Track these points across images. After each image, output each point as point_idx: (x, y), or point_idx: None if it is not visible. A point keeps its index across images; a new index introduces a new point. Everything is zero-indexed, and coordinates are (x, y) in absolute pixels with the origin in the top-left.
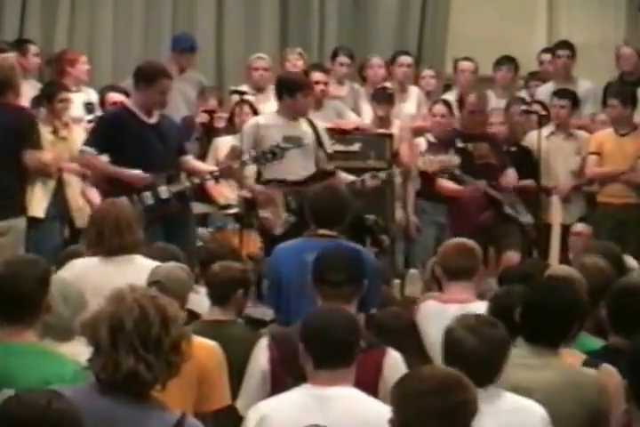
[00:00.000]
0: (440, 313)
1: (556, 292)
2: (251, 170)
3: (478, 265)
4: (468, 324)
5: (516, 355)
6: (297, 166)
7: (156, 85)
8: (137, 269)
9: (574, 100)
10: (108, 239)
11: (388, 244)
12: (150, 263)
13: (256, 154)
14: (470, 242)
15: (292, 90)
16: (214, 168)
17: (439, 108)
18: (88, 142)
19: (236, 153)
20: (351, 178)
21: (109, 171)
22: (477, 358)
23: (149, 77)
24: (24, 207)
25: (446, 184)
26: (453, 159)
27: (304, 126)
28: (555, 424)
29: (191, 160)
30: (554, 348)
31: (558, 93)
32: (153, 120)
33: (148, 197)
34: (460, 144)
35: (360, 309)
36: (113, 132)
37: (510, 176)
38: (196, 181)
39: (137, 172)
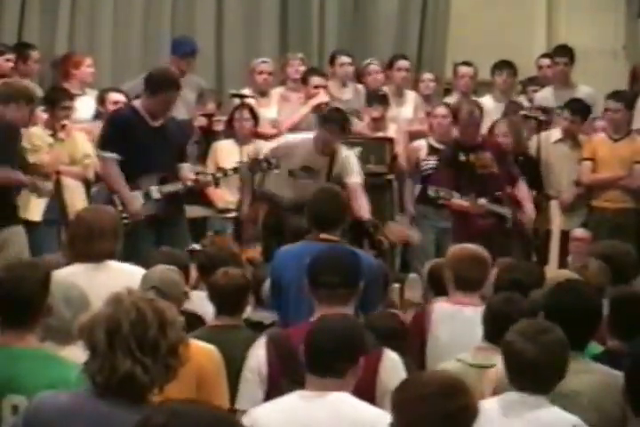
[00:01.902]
0: (454, 315)
1: (580, 294)
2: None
3: (488, 275)
4: (525, 333)
5: None
6: (304, 191)
7: (160, 96)
8: (112, 274)
9: (585, 114)
10: (77, 244)
11: (388, 246)
12: (125, 267)
13: (250, 162)
14: (482, 251)
15: (321, 120)
16: (195, 176)
17: (441, 109)
18: (105, 147)
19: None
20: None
21: (117, 185)
22: (539, 366)
23: (155, 87)
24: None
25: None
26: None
27: (326, 159)
28: None
29: (184, 169)
30: (583, 350)
31: (570, 107)
32: (158, 123)
33: (138, 197)
34: (462, 157)
35: (360, 311)
36: (119, 133)
37: (522, 191)
38: (189, 184)
39: (137, 202)
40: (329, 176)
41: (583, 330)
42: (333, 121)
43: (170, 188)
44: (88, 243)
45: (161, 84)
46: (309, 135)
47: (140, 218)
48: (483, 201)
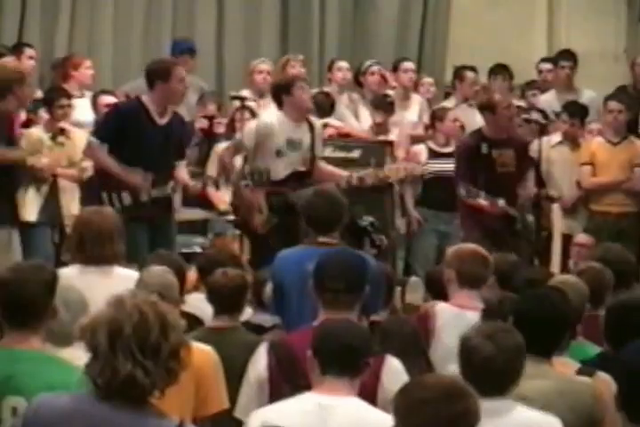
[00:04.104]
0: (458, 319)
1: (545, 301)
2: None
3: (490, 272)
4: (484, 331)
5: None
6: (288, 165)
7: (174, 76)
8: (115, 280)
9: (583, 116)
10: (88, 248)
11: (386, 244)
12: (128, 273)
13: (248, 173)
14: (484, 250)
15: (286, 87)
16: (189, 182)
17: (450, 113)
18: (95, 133)
19: (237, 147)
20: (346, 174)
21: (111, 167)
22: (494, 365)
23: (165, 71)
24: (6, 217)
25: None
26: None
27: (304, 129)
28: None
29: (180, 167)
30: (546, 357)
31: (570, 110)
32: (164, 121)
33: (126, 197)
34: (484, 150)
35: (360, 313)
36: (121, 125)
37: (529, 188)
38: (177, 190)
39: (137, 175)
40: (313, 148)
41: (549, 337)
42: (301, 80)
43: (158, 192)
44: (99, 246)
45: (167, 67)
46: (274, 111)
47: (146, 186)
48: (502, 202)
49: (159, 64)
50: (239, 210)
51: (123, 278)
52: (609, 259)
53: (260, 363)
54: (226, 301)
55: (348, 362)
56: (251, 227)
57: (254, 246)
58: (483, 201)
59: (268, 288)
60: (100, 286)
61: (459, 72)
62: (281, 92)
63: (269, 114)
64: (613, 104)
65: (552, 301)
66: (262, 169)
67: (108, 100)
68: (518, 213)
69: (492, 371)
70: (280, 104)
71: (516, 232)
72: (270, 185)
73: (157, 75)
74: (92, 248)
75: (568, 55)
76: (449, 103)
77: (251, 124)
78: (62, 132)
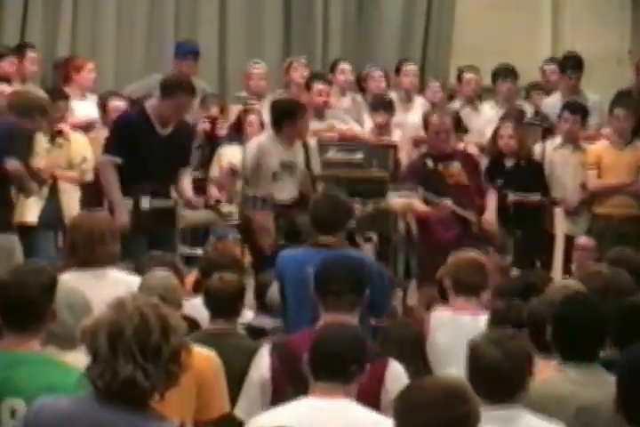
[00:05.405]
0: (452, 322)
1: (589, 306)
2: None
3: (487, 280)
4: (491, 337)
5: (568, 375)
6: (286, 188)
7: (173, 99)
8: (110, 283)
9: (584, 114)
10: (80, 251)
11: (376, 239)
12: (123, 276)
13: (248, 198)
14: (481, 257)
15: (291, 116)
16: (192, 198)
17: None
18: (108, 149)
19: (232, 173)
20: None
21: (111, 192)
22: (500, 371)
23: (168, 90)
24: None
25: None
26: (416, 203)
27: (298, 148)
28: None
29: (185, 177)
30: (595, 362)
31: (570, 108)
32: (167, 131)
33: (127, 203)
34: (430, 165)
35: (370, 313)
36: (126, 137)
37: (489, 201)
38: (180, 203)
39: (124, 216)
40: (309, 167)
41: (595, 341)
42: (304, 110)
43: (160, 203)
44: (90, 249)
45: (173, 88)
46: (267, 133)
47: (125, 229)
48: (448, 202)
49: (172, 80)
50: (248, 231)
51: (117, 282)
52: (622, 261)
53: (262, 364)
54: (222, 305)
55: (335, 369)
56: (258, 247)
57: (258, 266)
58: (424, 207)
59: (271, 291)
60: (93, 290)
61: (460, 74)
62: (284, 118)
63: (262, 136)
64: (619, 111)
65: (595, 305)
66: (265, 195)
67: (117, 104)
68: (472, 215)
69: (499, 377)
70: (279, 127)
71: (476, 237)
72: (279, 208)
73: (163, 88)
74: (84, 251)
75: (575, 61)
76: (454, 105)
77: (251, 143)
78: (60, 133)
